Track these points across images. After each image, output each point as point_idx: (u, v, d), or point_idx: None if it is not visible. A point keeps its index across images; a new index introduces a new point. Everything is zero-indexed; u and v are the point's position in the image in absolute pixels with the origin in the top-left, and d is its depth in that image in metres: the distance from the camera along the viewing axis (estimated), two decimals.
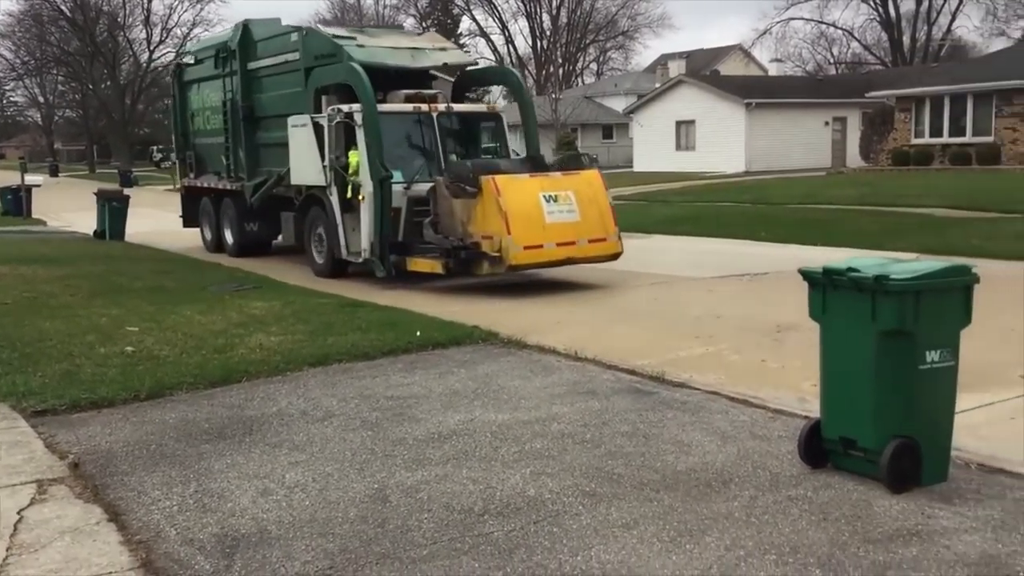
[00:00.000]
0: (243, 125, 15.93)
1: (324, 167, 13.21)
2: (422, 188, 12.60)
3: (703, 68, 58.54)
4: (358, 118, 12.66)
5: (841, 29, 67.16)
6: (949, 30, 62.50)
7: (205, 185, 18.03)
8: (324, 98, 13.67)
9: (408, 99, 13.60)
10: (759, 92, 41.66)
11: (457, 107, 14.03)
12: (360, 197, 12.60)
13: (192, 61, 18.24)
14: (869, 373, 4.81)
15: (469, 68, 15.49)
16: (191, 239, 18.91)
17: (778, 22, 68.58)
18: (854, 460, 4.98)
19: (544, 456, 5.51)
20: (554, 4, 73.12)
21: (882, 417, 4.81)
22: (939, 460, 4.90)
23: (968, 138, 32.70)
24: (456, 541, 4.33)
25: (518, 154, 14.15)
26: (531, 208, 11.55)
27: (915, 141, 34.23)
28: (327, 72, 13.68)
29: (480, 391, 7.03)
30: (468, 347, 8.61)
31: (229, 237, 17.36)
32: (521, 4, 74.37)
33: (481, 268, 11.64)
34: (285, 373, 7.71)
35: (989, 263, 12.10)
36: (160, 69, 65.39)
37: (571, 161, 13.06)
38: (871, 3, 61.12)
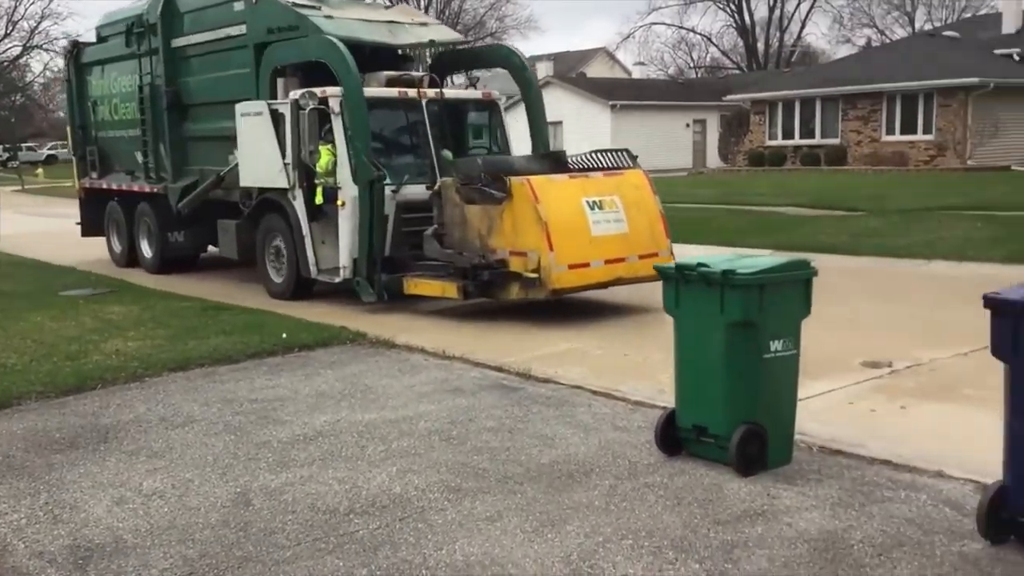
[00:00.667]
0: (166, 115, 13.29)
1: (286, 165, 10.83)
2: (413, 191, 10.50)
3: (570, 70, 59.58)
4: (335, 104, 10.40)
5: (700, 35, 69.71)
6: (800, 37, 65.73)
7: (113, 187, 15.09)
8: (281, 81, 11.40)
9: (390, 82, 11.28)
10: (624, 94, 42.77)
11: (450, 93, 11.81)
12: (339, 203, 10.33)
13: (93, 39, 15.31)
14: (719, 363, 5.06)
15: (459, 47, 13.18)
16: (57, 244, 17.98)
17: (640, 26, 70.74)
18: (706, 447, 5.22)
19: (410, 454, 5.55)
20: (422, 4, 73.01)
21: (731, 405, 5.06)
22: (784, 444, 5.20)
23: (817, 140, 34.49)
24: (320, 541, 4.33)
25: (496, 150, 11.93)
26: (575, 218, 9.36)
27: (769, 143, 35.85)
28: (289, 49, 11.18)
29: (347, 391, 7.00)
30: (336, 348, 8.55)
31: (147, 249, 14.55)
32: (390, 3, 73.84)
33: (510, 292, 9.46)
34: (143, 379, 7.48)
35: (835, 258, 12.85)
36: (6, 64, 61.84)
37: (609, 158, 10.52)
38: (727, 10, 63.63)
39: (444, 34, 12.63)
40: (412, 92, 11.08)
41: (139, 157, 14.24)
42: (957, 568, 3.88)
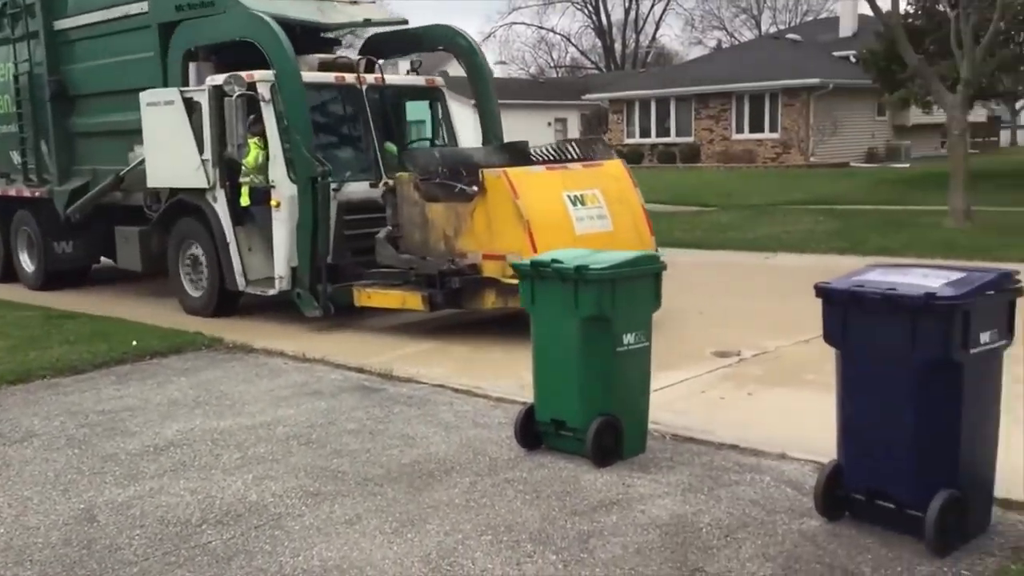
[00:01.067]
0: (50, 108, 11.72)
1: (204, 162, 9.63)
2: (355, 190, 9.36)
3: (432, 69, 59.42)
4: (265, 90, 9.15)
5: (559, 35, 70.80)
6: (654, 38, 67.73)
7: None
8: (193, 66, 10.11)
9: (323, 67, 10.06)
10: None
11: (391, 79, 10.55)
12: (273, 204, 9.16)
13: None
14: (574, 358, 5.16)
15: (399, 28, 11.44)
16: None
17: (501, 26, 71.29)
18: (565, 440, 5.32)
19: (268, 460, 5.43)
20: None
21: (587, 398, 5.18)
22: (638, 434, 5.35)
23: (673, 138, 35.65)
24: (170, 555, 4.18)
25: (443, 143, 10.90)
26: (557, 214, 8.33)
27: (627, 141, 36.78)
28: (205, 27, 9.87)
29: (201, 399, 6.78)
30: (190, 355, 8.27)
31: (28, 262, 12.70)
32: None
33: (485, 301, 8.34)
34: None
35: (690, 252, 13.32)
36: None
37: (586, 147, 9.48)
38: (585, 11, 64.93)
39: (379, 13, 11.58)
40: (350, 77, 9.90)
41: (14, 157, 12.67)
42: (797, 545, 4.08)
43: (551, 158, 9.24)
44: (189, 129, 9.75)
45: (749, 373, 7.22)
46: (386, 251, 8.94)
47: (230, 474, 5.20)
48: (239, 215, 9.67)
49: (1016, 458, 4.71)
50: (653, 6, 64.90)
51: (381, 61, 10.63)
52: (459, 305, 8.53)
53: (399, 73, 11.80)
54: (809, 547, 4.06)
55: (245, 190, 9.51)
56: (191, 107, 9.78)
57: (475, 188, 8.27)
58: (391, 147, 9.95)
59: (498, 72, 57.36)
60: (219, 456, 5.52)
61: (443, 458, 5.37)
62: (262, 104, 9.19)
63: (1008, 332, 4.07)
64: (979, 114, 34.21)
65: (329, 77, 9.83)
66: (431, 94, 11.01)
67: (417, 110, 11.30)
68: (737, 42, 57.41)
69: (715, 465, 5.11)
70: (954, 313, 3.81)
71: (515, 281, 7.77)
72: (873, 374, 4.07)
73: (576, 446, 5.23)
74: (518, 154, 9.30)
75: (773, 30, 55.19)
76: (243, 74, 9.12)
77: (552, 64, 70.25)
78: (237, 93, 8.99)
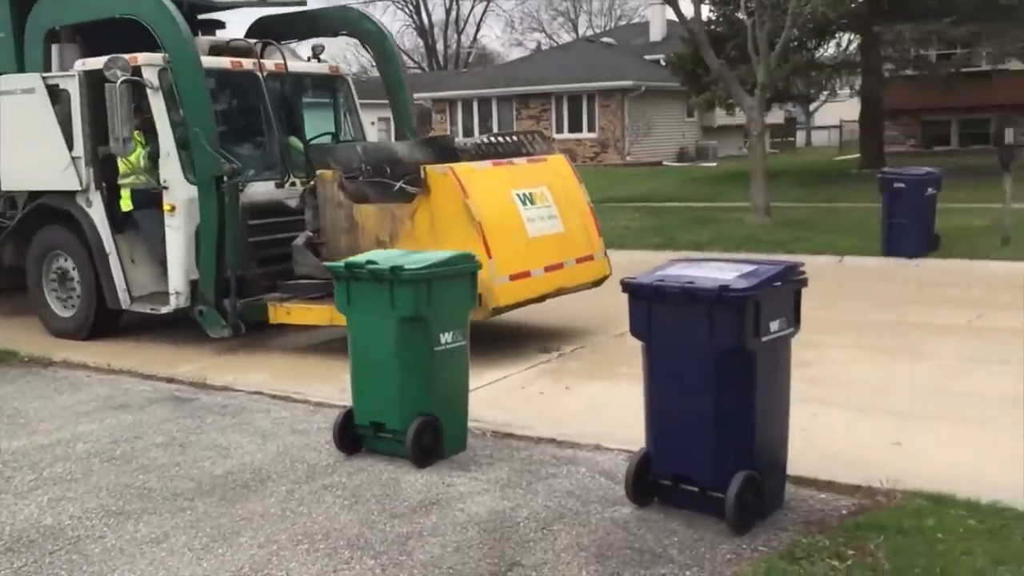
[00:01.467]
0: None
1: (75, 160, 8.45)
2: (260, 191, 8.39)
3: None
4: (152, 76, 7.97)
5: None
6: (475, 39, 68.32)
7: None
8: (55, 48, 8.83)
9: (215, 51, 8.84)
10: None
11: (292, 66, 9.27)
12: (167, 208, 8.03)
13: None
14: (392, 359, 5.12)
15: (296, 9, 10.28)
16: None
17: None
18: (385, 442, 5.27)
19: (66, 480, 5.09)
20: None
21: (405, 399, 5.15)
22: (458, 432, 5.38)
23: None
24: None
25: (349, 138, 9.75)
26: (509, 215, 7.65)
27: None
28: (73, 3, 8.70)
29: None
30: None
31: None
32: None
33: None
34: None
35: None
36: None
37: (524, 142, 8.63)
38: (406, 10, 64.69)
39: None
40: (248, 63, 8.77)
41: None
42: (609, 532, 4.21)
43: (485, 154, 8.40)
44: (55, 122, 8.53)
45: (568, 368, 7.40)
46: (306, 259, 7.93)
47: (22, 497, 4.84)
48: (119, 222, 8.52)
49: (805, 437, 5.05)
50: (473, 7, 65.54)
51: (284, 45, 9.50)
52: None
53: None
54: (621, 534, 4.20)
55: (127, 193, 8.34)
56: (56, 96, 8.56)
57: (416, 188, 7.40)
58: (296, 142, 9.01)
59: None
60: (10, 479, 5.13)
61: (259, 467, 5.21)
62: (149, 92, 7.99)
63: (795, 321, 4.33)
64: (777, 116, 36.45)
65: (224, 62, 8.65)
66: (336, 83, 9.85)
67: (319, 101, 10.06)
68: (556, 44, 58.80)
69: (534, 459, 5.20)
70: (746, 303, 4.02)
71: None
72: (675, 364, 4.26)
73: (396, 448, 5.19)
74: (443, 150, 8.54)
75: (589, 33, 56.85)
76: (126, 56, 7.82)
77: (374, 63, 69.71)
78: (121, 79, 7.65)
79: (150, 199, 8.25)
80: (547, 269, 7.79)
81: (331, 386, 6.87)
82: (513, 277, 7.39)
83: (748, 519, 4.14)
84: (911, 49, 22.26)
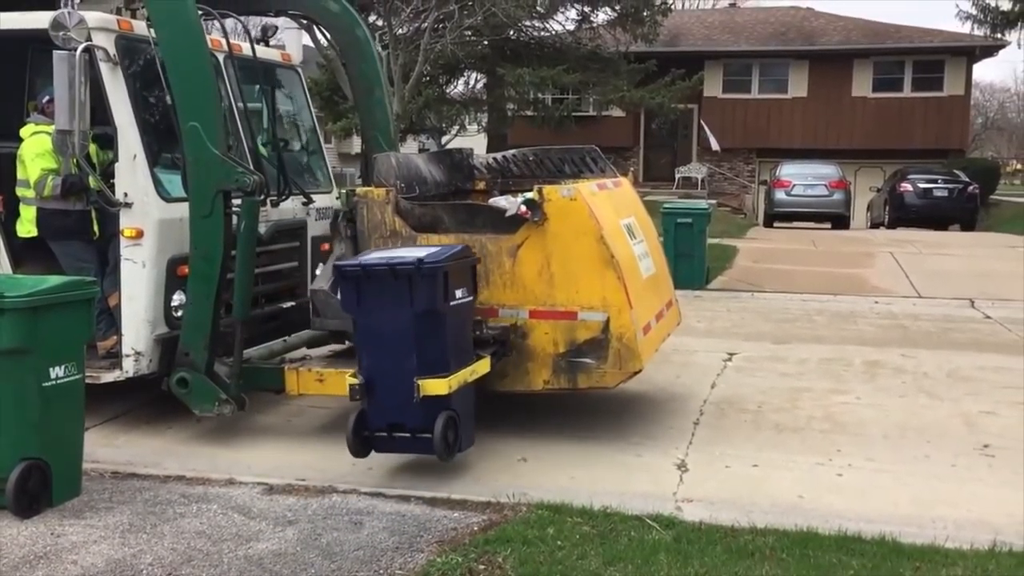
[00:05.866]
0: None
1: None
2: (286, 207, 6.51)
3: None
4: (108, 44, 5.75)
5: None
6: None
7: None
8: None
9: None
10: None
11: (247, 48, 6.88)
12: (127, 233, 5.78)
13: None
14: None
15: None
16: None
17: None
18: None
19: None
20: None
21: (8, 441, 4.57)
22: (71, 475, 4.87)
23: None
24: None
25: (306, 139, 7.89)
26: (630, 254, 6.12)
27: None
28: None
29: None
30: None
31: None
32: None
33: (533, 378, 5.80)
34: None
35: None
36: None
37: (585, 161, 7.06)
38: None
39: None
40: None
41: None
42: (243, 572, 4.04)
43: (534, 173, 7.07)
44: None
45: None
46: (336, 309, 5.73)
47: None
48: (15, 252, 6.30)
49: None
50: None
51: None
52: (489, 385, 5.70)
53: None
54: (256, 572, 4.04)
55: (31, 212, 6.15)
56: None
57: (532, 213, 5.68)
58: (260, 148, 6.88)
59: None
60: None
61: None
62: (103, 66, 5.74)
63: (473, 291, 5.44)
64: (412, 146, 37.77)
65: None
66: (288, 73, 7.78)
67: (282, 93, 7.80)
68: None
69: (160, 500, 4.86)
70: (436, 274, 4.98)
71: (602, 347, 5.62)
72: (383, 330, 5.07)
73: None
74: (458, 166, 7.20)
75: None
76: (82, 14, 5.67)
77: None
78: (81, 46, 5.52)
79: (68, 222, 6.16)
80: (656, 318, 6.39)
81: None
82: (645, 329, 5.95)
83: (452, 450, 5.15)
84: (530, 91, 24.14)
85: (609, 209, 6.13)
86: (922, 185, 23.64)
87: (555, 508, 4.66)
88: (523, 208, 5.66)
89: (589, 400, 6.52)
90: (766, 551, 4.21)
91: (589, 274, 5.68)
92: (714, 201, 21.45)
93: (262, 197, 5.87)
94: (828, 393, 7.15)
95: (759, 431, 6.25)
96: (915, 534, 4.43)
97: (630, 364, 5.67)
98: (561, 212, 5.71)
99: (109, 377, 5.87)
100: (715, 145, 28.85)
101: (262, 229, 6.21)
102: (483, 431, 5.53)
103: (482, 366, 5.41)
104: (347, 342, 6.26)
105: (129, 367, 5.85)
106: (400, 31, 20.00)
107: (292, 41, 24.69)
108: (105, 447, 5.65)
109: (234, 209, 5.73)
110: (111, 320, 6.05)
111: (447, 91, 25.67)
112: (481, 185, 7.32)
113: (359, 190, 6.23)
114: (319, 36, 15.40)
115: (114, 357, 5.97)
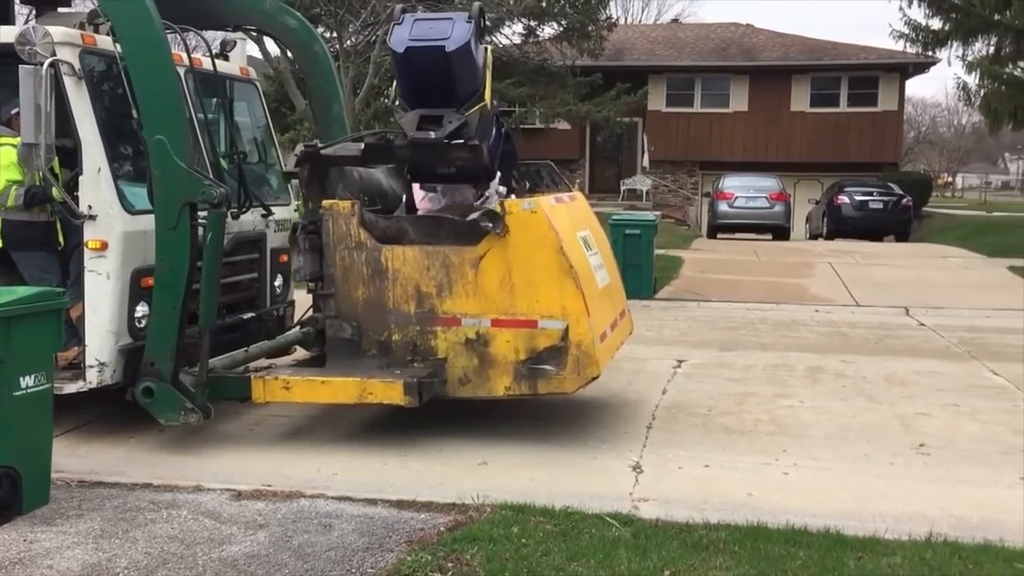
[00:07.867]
0: None
1: None
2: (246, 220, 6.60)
3: None
4: (73, 58, 5.83)
5: None
6: None
7: None
8: None
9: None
10: None
11: (206, 62, 6.91)
12: (92, 245, 5.85)
13: None
14: None
15: None
16: None
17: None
18: None
19: None
20: None
21: None
22: (40, 484, 4.92)
23: None
24: None
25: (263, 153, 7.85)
26: (586, 264, 6.30)
27: None
28: None
29: None
30: None
31: None
32: None
33: (495, 384, 5.94)
34: None
35: None
36: None
37: (540, 174, 6.76)
38: None
39: None
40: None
41: None
42: (219, 573, 4.15)
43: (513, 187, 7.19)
44: None
45: None
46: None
47: None
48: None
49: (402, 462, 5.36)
50: None
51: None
52: (452, 391, 5.99)
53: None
54: (231, 572, 4.16)
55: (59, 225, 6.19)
56: None
57: (492, 224, 5.86)
58: (220, 160, 6.90)
59: None
60: None
61: None
62: (67, 80, 5.81)
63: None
64: None
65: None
66: (246, 87, 7.83)
67: (239, 109, 7.82)
68: None
69: (129, 507, 4.93)
70: None
71: (557, 355, 5.78)
72: None
73: None
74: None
75: None
76: (47, 29, 5.75)
77: None
78: (47, 61, 5.62)
79: (32, 233, 6.18)
80: (611, 327, 6.58)
81: None
82: (601, 337, 6.12)
83: None
84: None
85: (567, 222, 6.32)
86: (858, 198, 24.40)
87: (518, 508, 4.85)
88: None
89: (547, 405, 6.72)
90: (720, 544, 4.45)
91: (549, 284, 5.85)
92: (659, 213, 21.88)
93: (227, 209, 5.96)
94: (773, 397, 7.45)
95: (709, 434, 6.50)
96: (857, 527, 4.71)
97: (588, 370, 5.85)
98: (522, 224, 5.88)
99: (72, 388, 5.90)
100: (646, 160, 29.41)
101: (224, 241, 6.27)
102: (446, 436, 5.70)
103: None
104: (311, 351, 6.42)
105: (93, 378, 5.91)
106: (349, 43, 20.08)
107: (236, 52, 24.42)
108: (68, 457, 5.68)
109: (200, 221, 5.83)
110: (72, 331, 6.09)
111: (397, 103, 25.76)
112: None
113: (325, 202, 6.25)
114: (267, 47, 15.30)
115: (75, 368, 6.03)
